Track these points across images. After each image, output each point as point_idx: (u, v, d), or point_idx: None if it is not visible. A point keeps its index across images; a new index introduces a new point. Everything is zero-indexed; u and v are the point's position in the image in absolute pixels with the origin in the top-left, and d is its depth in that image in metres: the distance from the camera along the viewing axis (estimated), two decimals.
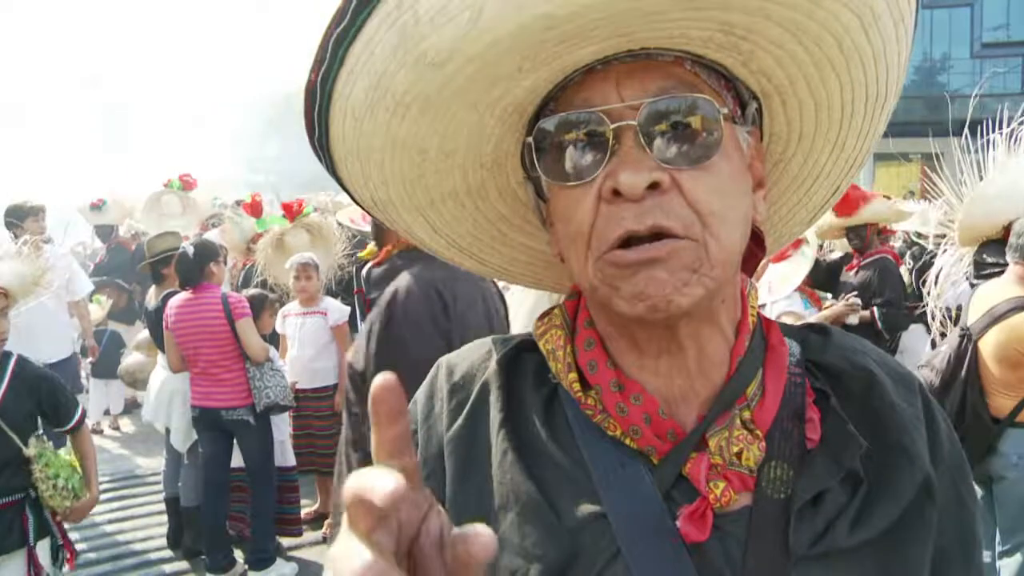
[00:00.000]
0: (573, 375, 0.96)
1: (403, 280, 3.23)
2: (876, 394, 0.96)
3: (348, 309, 6.43)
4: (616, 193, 0.83)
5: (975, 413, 4.16)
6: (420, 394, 1.06)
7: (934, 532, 0.92)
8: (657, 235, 0.83)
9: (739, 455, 0.89)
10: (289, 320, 6.42)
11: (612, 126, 0.84)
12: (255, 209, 7.71)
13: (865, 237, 6.99)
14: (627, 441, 0.91)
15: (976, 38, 26.21)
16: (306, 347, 6.28)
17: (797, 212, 1.10)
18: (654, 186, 0.82)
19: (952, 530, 0.94)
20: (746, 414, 0.92)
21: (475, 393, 1.01)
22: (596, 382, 0.94)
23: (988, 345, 4.10)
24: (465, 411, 1.00)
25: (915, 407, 0.97)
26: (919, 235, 8.04)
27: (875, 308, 6.67)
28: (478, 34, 0.76)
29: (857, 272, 6.99)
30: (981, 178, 4.52)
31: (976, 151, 4.45)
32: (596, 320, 0.98)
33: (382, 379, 0.60)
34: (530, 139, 0.90)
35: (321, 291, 6.54)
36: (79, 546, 6.47)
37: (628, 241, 0.84)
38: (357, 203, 1.02)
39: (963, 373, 4.23)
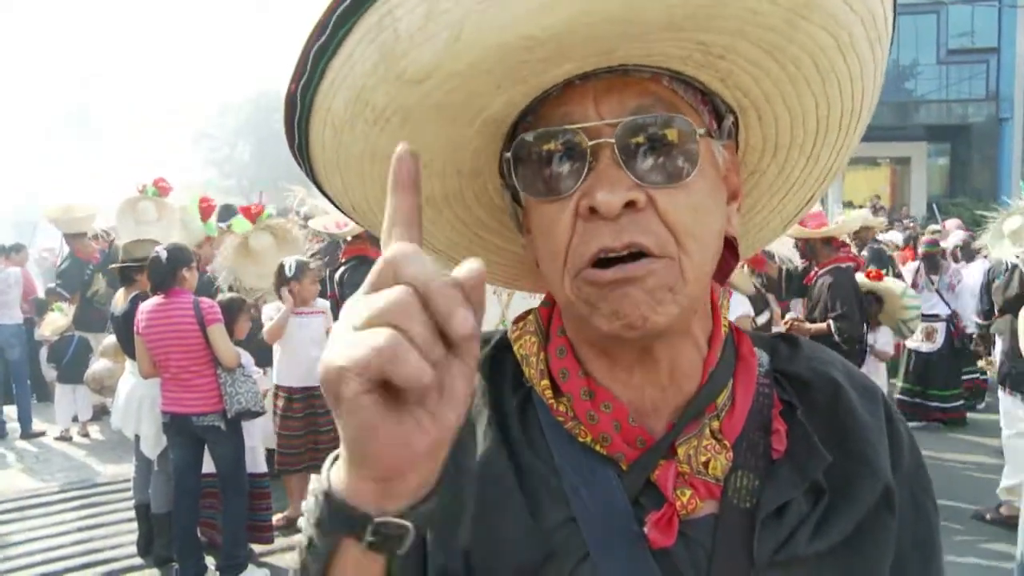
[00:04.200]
0: (546, 382, 0.96)
1: None
2: (842, 405, 0.98)
3: None
4: (593, 211, 0.83)
5: None
6: None
7: (894, 540, 0.94)
8: (633, 254, 0.83)
9: (706, 464, 0.90)
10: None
11: (590, 143, 0.84)
12: (248, 215, 7.50)
13: (801, 248, 7.08)
14: (597, 447, 0.92)
15: (942, 44, 26.52)
16: (314, 346, 6.21)
17: (771, 220, 1.12)
18: (630, 204, 0.83)
19: (910, 538, 0.97)
20: (715, 424, 0.93)
21: None
22: (567, 390, 0.94)
23: None
24: None
25: (878, 418, 0.99)
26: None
27: (831, 322, 6.61)
28: (458, 54, 0.76)
29: (814, 283, 6.99)
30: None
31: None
32: (569, 331, 0.98)
33: (404, 146, 0.65)
34: (508, 154, 0.91)
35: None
36: (48, 554, 6.41)
37: (604, 260, 0.84)
38: (336, 207, 1.02)
39: None
